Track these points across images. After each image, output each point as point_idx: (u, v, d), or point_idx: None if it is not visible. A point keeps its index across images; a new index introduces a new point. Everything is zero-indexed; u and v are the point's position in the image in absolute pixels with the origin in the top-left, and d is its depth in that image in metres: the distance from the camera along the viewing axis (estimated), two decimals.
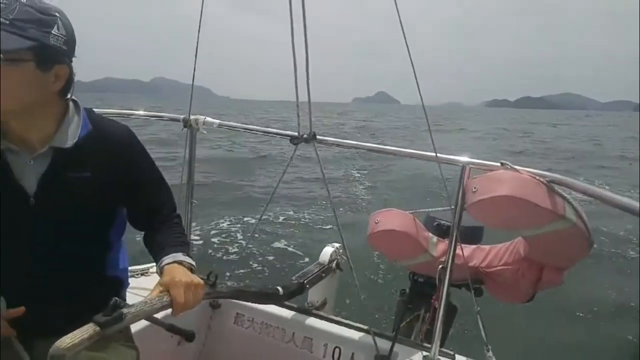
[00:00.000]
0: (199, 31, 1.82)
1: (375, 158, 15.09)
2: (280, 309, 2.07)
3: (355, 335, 1.93)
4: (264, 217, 7.56)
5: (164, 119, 2.44)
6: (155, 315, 1.18)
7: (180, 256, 1.22)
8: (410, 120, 51.86)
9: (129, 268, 1.49)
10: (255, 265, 5.90)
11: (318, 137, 1.82)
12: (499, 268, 1.96)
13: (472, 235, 2.10)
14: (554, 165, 17.02)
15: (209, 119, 2.20)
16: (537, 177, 1.51)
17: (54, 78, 1.10)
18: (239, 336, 2.12)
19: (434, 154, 1.74)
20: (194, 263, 1.24)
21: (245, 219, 7.99)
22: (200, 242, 6.52)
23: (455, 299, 2.08)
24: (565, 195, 1.53)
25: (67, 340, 0.88)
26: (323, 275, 2.21)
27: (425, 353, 1.81)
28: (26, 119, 1.11)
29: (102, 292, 1.23)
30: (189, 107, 2.11)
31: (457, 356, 1.81)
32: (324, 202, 9.12)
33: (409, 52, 1.68)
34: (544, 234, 1.59)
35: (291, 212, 8.72)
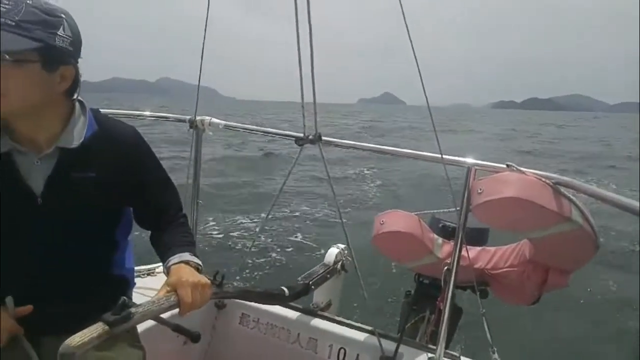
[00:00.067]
0: (205, 33, 1.83)
1: (383, 159, 15.09)
2: (286, 309, 2.07)
3: (360, 336, 1.93)
4: (270, 216, 7.58)
5: (170, 119, 2.45)
6: (161, 315, 1.18)
7: (187, 256, 1.22)
8: (417, 121, 51.78)
9: (135, 268, 1.50)
10: (261, 265, 5.91)
11: (323, 138, 1.82)
12: (504, 270, 1.96)
13: (478, 237, 2.10)
14: (563, 165, 16.97)
15: (214, 119, 2.21)
16: (543, 179, 1.51)
17: (59, 79, 1.11)
18: (244, 336, 2.12)
19: (439, 155, 1.73)
20: (200, 263, 1.24)
21: (252, 218, 8.00)
22: (207, 241, 6.54)
23: (461, 301, 2.08)
24: (572, 197, 1.53)
25: (77, 338, 0.88)
26: (328, 276, 2.21)
27: (430, 355, 1.81)
28: (33, 119, 1.12)
29: (108, 292, 1.24)
30: (194, 108, 2.12)
31: (462, 358, 1.81)
32: (332, 202, 9.13)
33: (414, 52, 1.68)
34: (549, 236, 1.59)
35: (298, 213, 8.74)
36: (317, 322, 2.02)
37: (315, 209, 9.08)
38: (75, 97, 1.19)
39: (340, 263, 2.30)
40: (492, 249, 2.06)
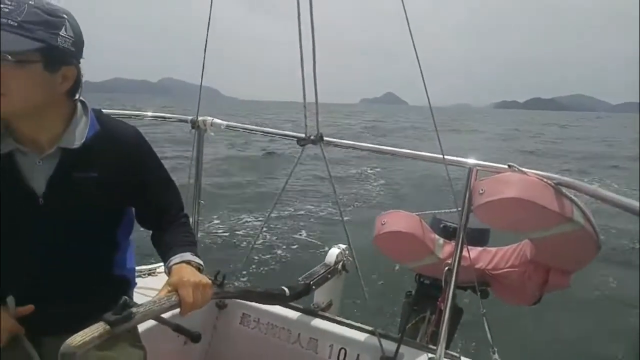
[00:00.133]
0: (207, 32, 1.83)
1: (385, 158, 15.11)
2: (286, 309, 2.07)
3: (361, 336, 1.93)
4: (275, 215, 7.59)
5: (172, 120, 2.45)
6: (162, 315, 1.18)
7: (188, 256, 1.23)
8: (419, 121, 51.81)
9: (136, 268, 1.50)
10: (262, 265, 5.91)
11: (325, 138, 1.82)
12: (505, 270, 1.96)
13: (479, 237, 2.10)
14: (566, 165, 16.97)
15: (216, 120, 2.21)
16: (545, 180, 1.51)
17: (61, 79, 1.11)
18: (245, 336, 2.12)
19: (441, 156, 1.73)
20: (202, 263, 1.24)
21: (257, 217, 8.01)
22: (210, 240, 6.54)
23: (461, 301, 2.08)
24: (573, 197, 1.52)
25: (78, 338, 0.89)
26: (329, 276, 2.22)
27: (430, 355, 1.81)
28: (35, 119, 1.12)
29: (109, 292, 1.24)
30: (197, 108, 2.13)
31: (462, 358, 1.81)
32: (334, 202, 9.14)
33: (416, 52, 1.69)
34: (551, 236, 1.59)
35: (302, 211, 8.75)
36: (318, 322, 2.02)
37: (319, 208, 9.10)
38: (77, 97, 1.19)
39: (341, 263, 2.30)
40: (493, 249, 2.06)
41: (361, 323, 2.01)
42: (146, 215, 1.37)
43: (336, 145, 1.96)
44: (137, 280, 1.52)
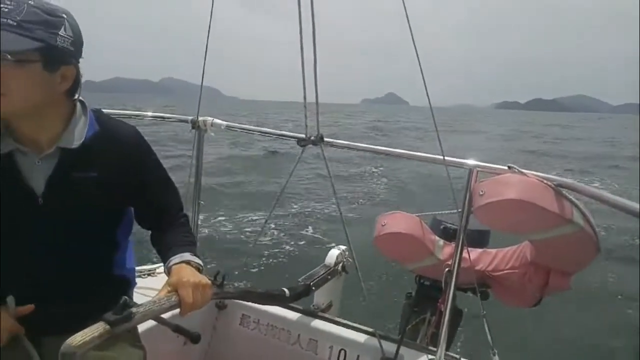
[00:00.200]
0: (208, 33, 1.83)
1: (388, 158, 15.11)
2: (286, 310, 2.07)
3: (361, 337, 1.93)
4: (273, 216, 7.59)
5: (173, 120, 2.45)
6: (162, 316, 1.18)
7: (188, 256, 1.23)
8: (421, 121, 51.81)
9: (136, 268, 1.50)
10: (262, 266, 5.91)
11: (325, 139, 1.82)
12: (505, 272, 1.96)
13: (479, 239, 2.10)
14: (568, 165, 16.96)
15: (217, 120, 2.21)
16: (545, 181, 1.51)
17: (60, 79, 1.11)
18: (245, 337, 2.12)
19: (441, 157, 1.73)
20: (201, 263, 1.24)
21: (254, 218, 8.00)
22: (208, 242, 6.54)
23: (462, 303, 2.08)
24: (573, 199, 1.52)
25: (78, 337, 0.89)
26: (329, 277, 2.21)
27: (430, 356, 1.81)
28: (34, 119, 1.12)
29: (109, 292, 1.24)
30: (197, 108, 2.13)
31: None
32: (340, 201, 9.10)
33: (416, 52, 1.69)
34: (551, 238, 1.59)
35: (308, 209, 8.76)
36: (318, 323, 2.02)
37: (323, 206, 9.10)
38: (76, 97, 1.19)
39: (341, 264, 2.30)
40: (493, 250, 2.06)
41: (361, 324, 2.00)
42: (145, 215, 1.37)
43: (336, 146, 1.96)
44: (137, 280, 1.52)
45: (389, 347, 1.83)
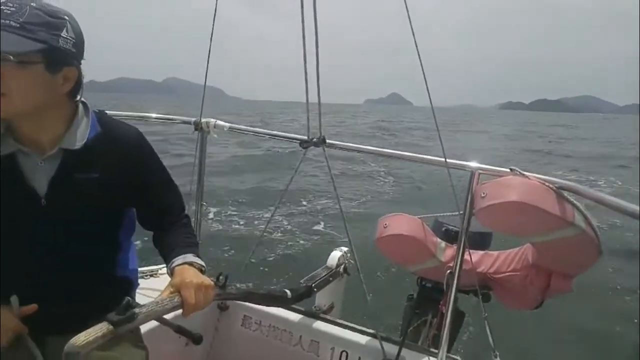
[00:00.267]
0: (211, 35, 1.83)
1: (388, 160, 15.10)
2: (288, 312, 2.08)
3: (363, 339, 1.93)
4: (275, 217, 7.59)
5: (176, 122, 2.46)
6: (164, 316, 1.19)
7: (190, 257, 1.23)
8: (424, 121, 51.71)
9: (139, 269, 1.50)
10: (264, 267, 5.90)
11: (328, 141, 1.82)
12: (507, 274, 1.96)
13: (481, 241, 2.10)
14: (575, 164, 16.91)
15: (219, 122, 2.22)
16: (547, 183, 1.51)
17: (62, 80, 1.11)
18: (246, 338, 2.13)
19: (443, 159, 1.74)
20: (204, 264, 1.25)
21: (257, 220, 8.00)
22: (210, 243, 6.54)
23: (463, 305, 2.08)
24: (575, 201, 1.52)
25: (82, 337, 0.89)
26: (331, 279, 2.21)
27: (432, 358, 1.81)
28: (36, 120, 1.13)
29: (111, 292, 1.25)
30: (200, 110, 2.13)
31: None
32: (346, 200, 9.10)
33: (418, 53, 1.68)
34: (552, 240, 1.59)
35: (308, 212, 8.73)
36: (319, 325, 2.02)
37: (327, 206, 9.08)
38: (78, 98, 1.20)
39: (342, 266, 2.30)
40: (495, 253, 2.06)
41: (363, 326, 2.01)
42: (148, 216, 1.38)
43: (339, 147, 1.96)
44: (140, 281, 1.52)
45: (391, 349, 1.84)
